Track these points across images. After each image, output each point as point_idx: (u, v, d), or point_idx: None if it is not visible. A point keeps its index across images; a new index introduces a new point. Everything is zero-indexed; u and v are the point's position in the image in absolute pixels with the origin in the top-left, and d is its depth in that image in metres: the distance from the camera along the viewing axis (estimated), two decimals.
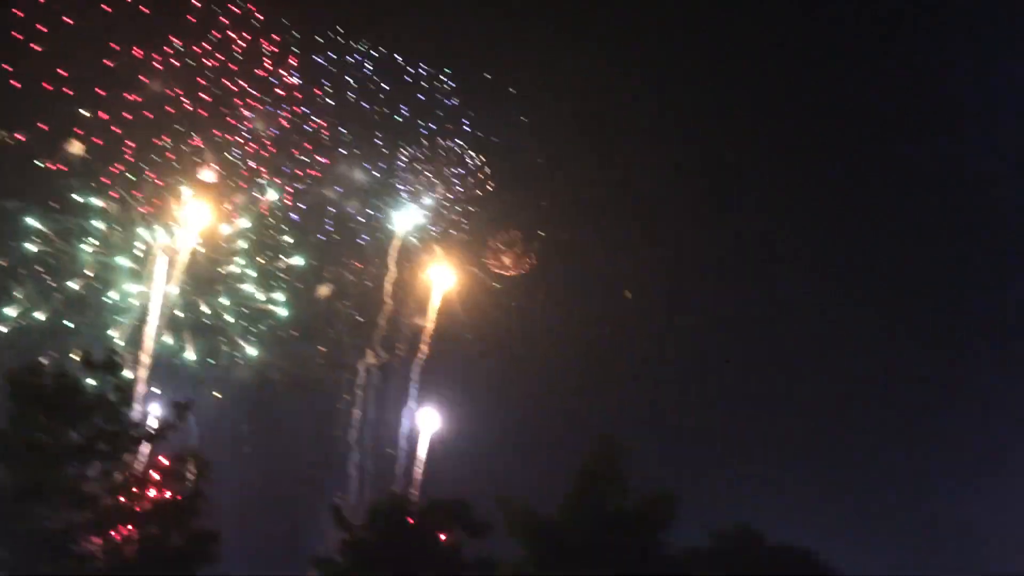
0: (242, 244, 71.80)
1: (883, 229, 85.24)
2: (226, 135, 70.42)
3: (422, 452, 68.70)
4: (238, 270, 71.90)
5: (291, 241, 74.05)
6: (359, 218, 77.21)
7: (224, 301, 71.59)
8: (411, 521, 44.92)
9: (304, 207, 74.94)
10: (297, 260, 74.27)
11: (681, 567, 41.68)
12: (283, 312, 73.60)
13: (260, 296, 72.59)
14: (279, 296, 73.43)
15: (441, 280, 75.65)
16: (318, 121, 74.35)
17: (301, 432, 75.70)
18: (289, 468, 71.57)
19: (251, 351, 73.26)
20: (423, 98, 76.46)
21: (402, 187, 77.23)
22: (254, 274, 72.45)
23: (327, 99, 74.84)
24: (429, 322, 75.13)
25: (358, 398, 76.32)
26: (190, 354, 70.45)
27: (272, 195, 73.06)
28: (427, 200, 77.87)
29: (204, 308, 70.87)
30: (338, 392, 76.24)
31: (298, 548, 58.99)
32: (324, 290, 76.75)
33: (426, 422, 71.12)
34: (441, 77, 76.50)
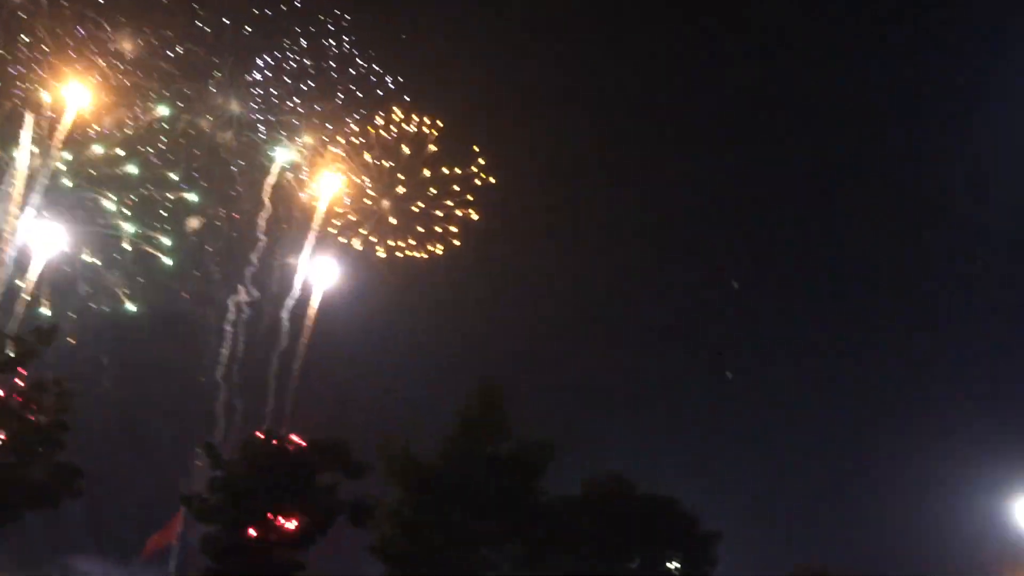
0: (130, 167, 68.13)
1: None
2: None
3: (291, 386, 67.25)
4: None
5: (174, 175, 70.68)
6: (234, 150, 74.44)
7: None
8: (286, 459, 44.38)
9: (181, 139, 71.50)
10: (191, 196, 71.08)
11: (553, 515, 42.91)
12: (167, 258, 70.65)
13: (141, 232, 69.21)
14: (164, 238, 70.38)
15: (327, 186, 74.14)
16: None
17: (166, 369, 72.95)
18: (153, 405, 69.14)
19: (118, 283, 70.08)
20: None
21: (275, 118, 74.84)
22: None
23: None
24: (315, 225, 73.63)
25: (228, 335, 74.24)
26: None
27: (163, 111, 69.32)
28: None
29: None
30: (206, 329, 74.02)
31: (165, 485, 57.43)
32: (195, 223, 73.67)
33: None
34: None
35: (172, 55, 69.13)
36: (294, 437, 47.45)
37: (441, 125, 77.30)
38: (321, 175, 75.44)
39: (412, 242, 77.52)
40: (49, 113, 63.42)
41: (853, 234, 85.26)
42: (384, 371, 71.44)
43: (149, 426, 69.07)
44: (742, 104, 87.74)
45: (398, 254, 77.38)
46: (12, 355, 41.52)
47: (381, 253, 76.98)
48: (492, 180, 78.51)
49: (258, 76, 73.38)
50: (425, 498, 42.71)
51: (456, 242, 77.82)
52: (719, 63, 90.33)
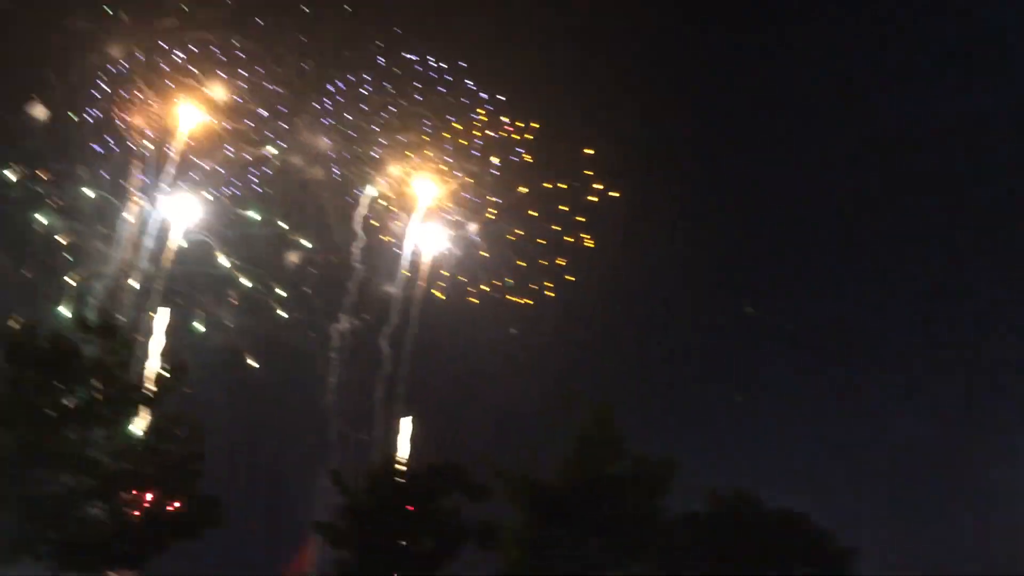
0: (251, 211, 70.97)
1: None
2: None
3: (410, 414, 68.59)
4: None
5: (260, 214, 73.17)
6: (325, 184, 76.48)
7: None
8: (409, 484, 45.16)
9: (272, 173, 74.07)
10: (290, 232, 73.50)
11: (679, 532, 42.66)
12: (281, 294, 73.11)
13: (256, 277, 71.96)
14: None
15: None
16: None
17: (278, 398, 75.32)
18: (270, 435, 71.29)
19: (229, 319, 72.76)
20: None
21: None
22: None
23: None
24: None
25: (333, 363, 76.22)
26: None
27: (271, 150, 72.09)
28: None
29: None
30: (313, 358, 76.05)
31: (290, 513, 59.22)
32: (294, 258, 76.07)
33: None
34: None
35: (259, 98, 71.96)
36: (414, 461, 48.26)
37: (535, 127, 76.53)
38: (408, 202, 76.86)
39: (510, 281, 77.29)
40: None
41: None
42: (489, 391, 71.90)
43: (266, 455, 71.19)
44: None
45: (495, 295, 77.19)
46: (151, 393, 43.24)
47: (473, 300, 77.03)
48: (613, 193, 76.57)
49: (344, 110, 75.36)
50: (549, 520, 43.07)
51: (568, 277, 76.76)
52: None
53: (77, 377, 40.54)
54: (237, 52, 70.01)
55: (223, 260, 72.03)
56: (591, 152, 77.29)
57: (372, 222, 76.99)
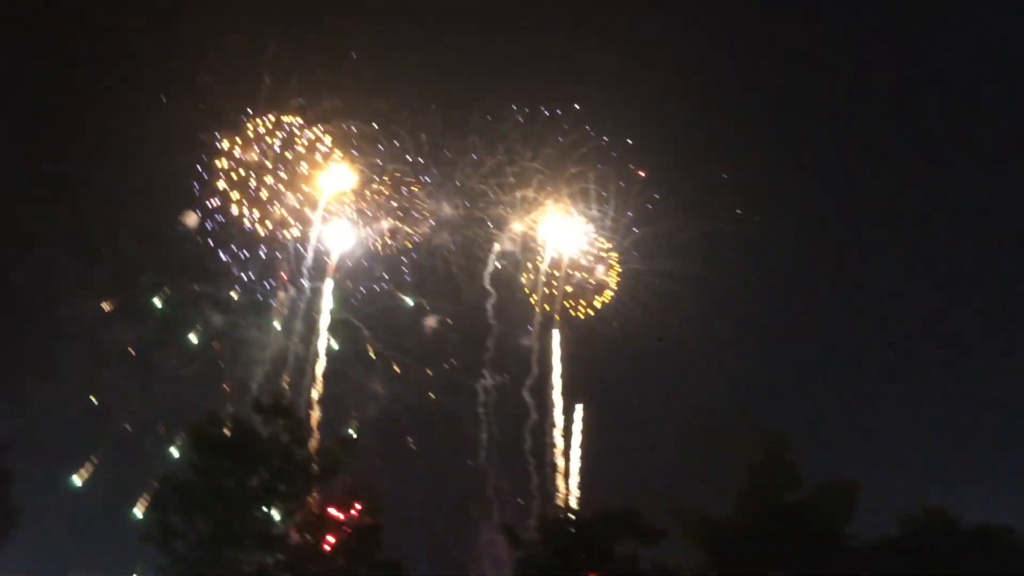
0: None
1: None
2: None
3: (562, 462, 68.56)
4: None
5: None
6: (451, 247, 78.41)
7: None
8: (584, 535, 44.85)
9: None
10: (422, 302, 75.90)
11: (871, 560, 40.50)
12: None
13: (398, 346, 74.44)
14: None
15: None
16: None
17: (433, 457, 76.72)
18: (430, 492, 72.56)
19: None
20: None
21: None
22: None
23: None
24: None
25: (482, 419, 77.28)
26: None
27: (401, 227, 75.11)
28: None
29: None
30: (461, 416, 77.32)
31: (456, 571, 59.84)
32: (432, 323, 78.00)
33: (575, 428, 70.82)
34: None
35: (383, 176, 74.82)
36: (581, 509, 48.02)
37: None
38: (536, 252, 77.61)
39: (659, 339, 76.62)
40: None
41: None
42: (646, 426, 71.04)
43: (428, 515, 72.40)
44: None
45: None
46: (321, 468, 44.90)
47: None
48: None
49: (464, 175, 77.14)
50: (728, 558, 41.81)
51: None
52: None
53: (258, 458, 42.68)
54: (356, 136, 73.30)
55: (366, 332, 74.67)
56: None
57: (503, 277, 78.17)
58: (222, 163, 70.81)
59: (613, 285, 77.60)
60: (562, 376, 74.81)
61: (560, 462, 67.73)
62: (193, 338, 70.38)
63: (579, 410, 72.00)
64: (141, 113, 69.84)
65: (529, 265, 78.36)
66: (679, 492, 46.95)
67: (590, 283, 77.77)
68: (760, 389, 73.18)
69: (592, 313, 77.73)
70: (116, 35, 71.29)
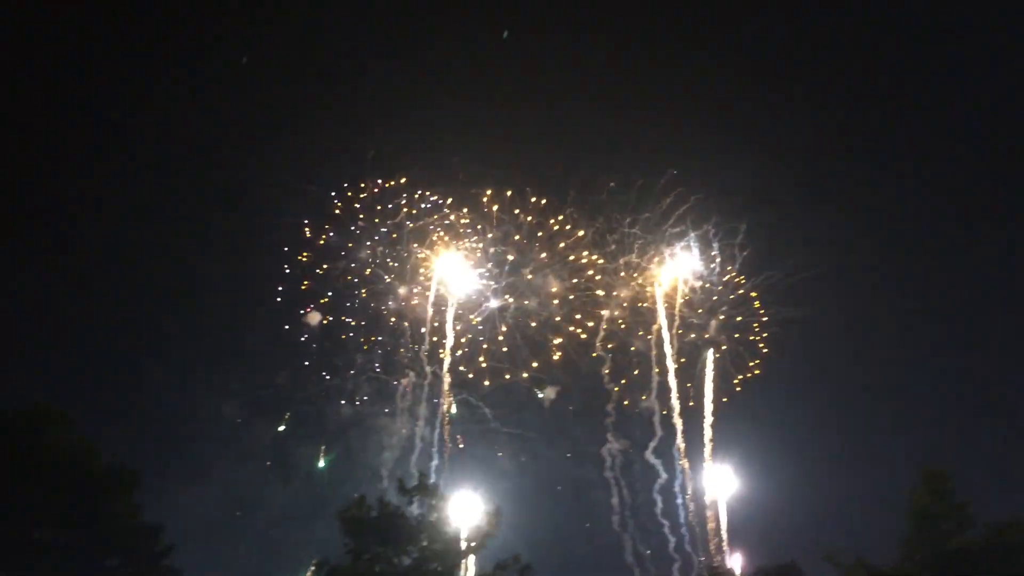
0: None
1: None
2: None
3: (704, 517, 66.94)
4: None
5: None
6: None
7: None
8: None
9: None
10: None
11: None
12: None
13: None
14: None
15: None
16: None
17: (567, 527, 76.00)
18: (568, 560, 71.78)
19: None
20: None
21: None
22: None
23: None
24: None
25: (611, 484, 76.42)
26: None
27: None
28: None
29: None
30: (589, 483, 76.63)
31: None
32: (550, 394, 78.11)
33: (719, 485, 69.00)
34: None
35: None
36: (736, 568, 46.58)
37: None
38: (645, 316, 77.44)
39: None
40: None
41: None
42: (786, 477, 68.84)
43: None
44: None
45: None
46: (469, 544, 44.95)
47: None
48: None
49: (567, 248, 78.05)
50: None
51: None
52: None
53: (408, 538, 43.11)
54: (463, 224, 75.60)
55: (487, 411, 75.49)
56: None
57: (615, 342, 78.04)
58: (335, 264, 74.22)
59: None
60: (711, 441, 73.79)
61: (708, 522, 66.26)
62: (321, 461, 72.91)
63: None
64: (257, 219, 74.31)
65: (640, 331, 78.33)
66: (834, 539, 44.88)
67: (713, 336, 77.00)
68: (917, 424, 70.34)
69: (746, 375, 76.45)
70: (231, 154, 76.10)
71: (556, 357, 77.06)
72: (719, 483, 68.49)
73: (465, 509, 52.31)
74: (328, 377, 72.76)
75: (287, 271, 73.31)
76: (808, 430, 70.97)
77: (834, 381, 73.15)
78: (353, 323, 74.25)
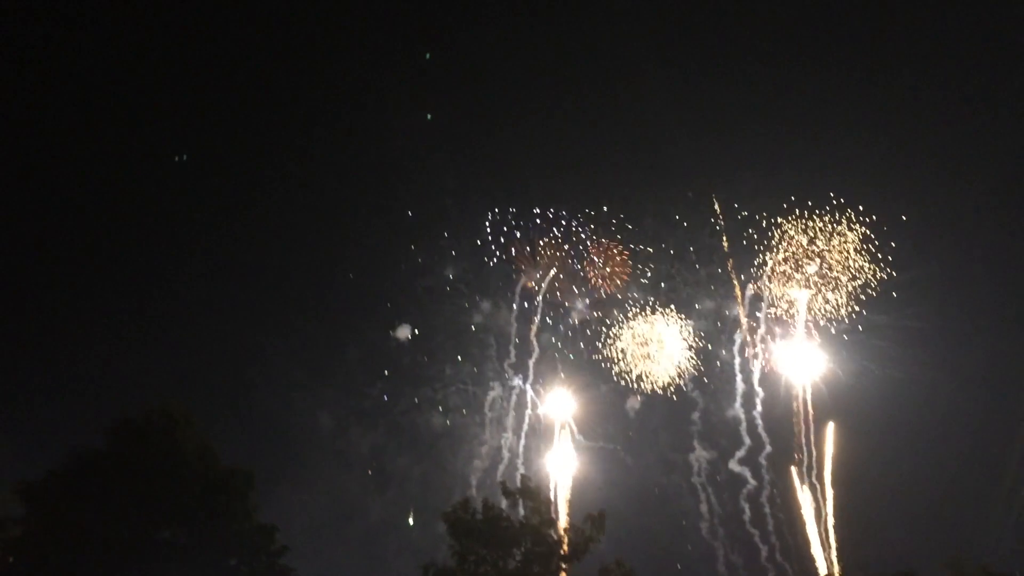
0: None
1: None
2: None
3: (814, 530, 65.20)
4: None
5: None
6: None
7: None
8: None
9: None
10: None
11: None
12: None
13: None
14: None
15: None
16: None
17: (658, 535, 75.18)
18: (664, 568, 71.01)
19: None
20: None
21: None
22: None
23: None
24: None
25: (699, 494, 75.30)
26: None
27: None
28: None
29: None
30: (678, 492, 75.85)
31: None
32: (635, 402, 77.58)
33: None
34: None
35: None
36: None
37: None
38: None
39: None
40: None
41: None
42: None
43: None
44: None
45: None
46: (572, 548, 44.75)
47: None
48: None
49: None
50: None
51: None
52: None
53: (512, 541, 43.20)
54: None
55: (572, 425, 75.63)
56: None
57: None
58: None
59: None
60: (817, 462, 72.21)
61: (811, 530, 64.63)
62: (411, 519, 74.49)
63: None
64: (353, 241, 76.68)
65: (723, 337, 77.04)
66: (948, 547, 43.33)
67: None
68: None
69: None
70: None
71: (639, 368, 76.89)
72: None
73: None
74: (420, 389, 74.31)
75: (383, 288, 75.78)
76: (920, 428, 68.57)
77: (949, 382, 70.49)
78: (442, 337, 75.98)
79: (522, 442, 73.24)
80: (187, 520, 36.68)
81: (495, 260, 74.65)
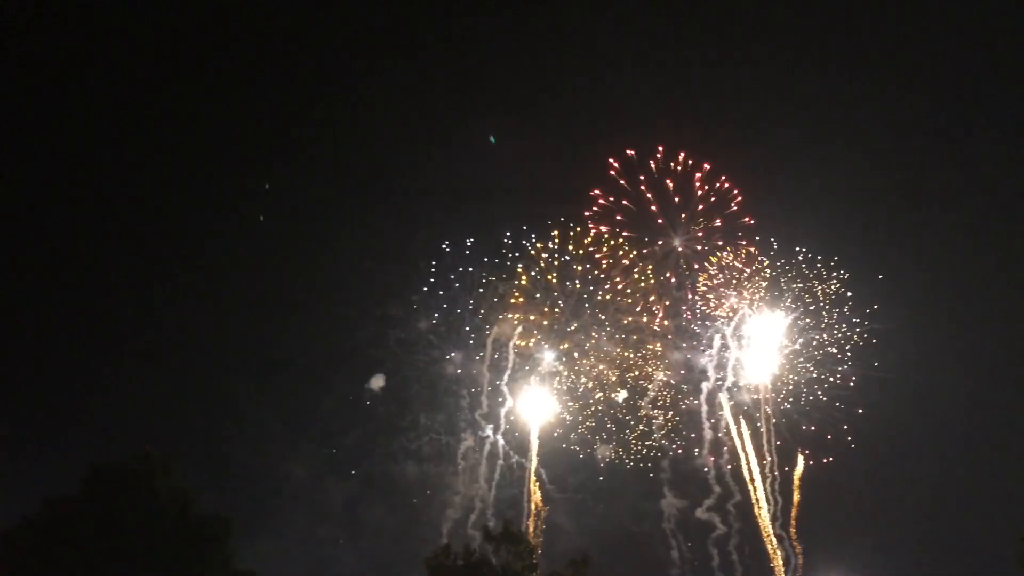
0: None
1: None
2: None
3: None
4: None
5: None
6: None
7: None
8: None
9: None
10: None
11: None
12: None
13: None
14: None
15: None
16: None
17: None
18: None
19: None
20: None
21: None
22: None
23: None
24: None
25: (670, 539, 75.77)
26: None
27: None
28: None
29: None
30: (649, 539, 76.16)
31: None
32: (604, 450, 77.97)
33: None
34: None
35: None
36: None
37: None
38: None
39: None
40: None
41: None
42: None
43: None
44: None
45: None
46: None
47: None
48: None
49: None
50: None
51: None
52: None
53: None
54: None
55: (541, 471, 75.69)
56: None
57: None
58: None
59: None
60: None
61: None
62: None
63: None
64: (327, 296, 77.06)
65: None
66: None
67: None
68: None
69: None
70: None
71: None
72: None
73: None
74: (394, 438, 74.29)
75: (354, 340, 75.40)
76: None
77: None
78: (416, 388, 75.99)
79: (492, 492, 73.42)
80: (163, 568, 35.83)
81: (467, 313, 75.62)
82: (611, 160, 73.01)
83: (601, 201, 73.24)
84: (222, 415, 72.78)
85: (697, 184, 72.69)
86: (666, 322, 75.37)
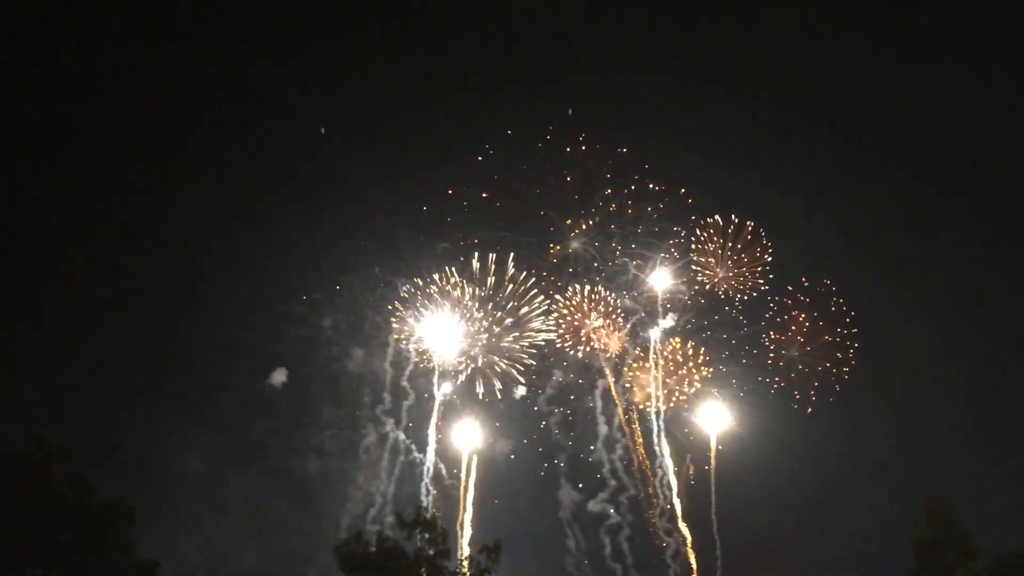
0: None
1: None
2: None
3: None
4: None
5: None
6: None
7: None
8: None
9: None
10: None
11: None
12: None
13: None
14: None
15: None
16: None
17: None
18: None
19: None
20: None
21: None
22: None
23: None
24: None
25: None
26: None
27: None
28: None
29: None
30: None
31: None
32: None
33: None
34: None
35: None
36: None
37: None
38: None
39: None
40: None
41: None
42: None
43: None
44: None
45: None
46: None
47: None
48: None
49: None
50: None
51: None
52: None
53: (406, 571, 42.14)
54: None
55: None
56: None
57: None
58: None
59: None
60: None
61: None
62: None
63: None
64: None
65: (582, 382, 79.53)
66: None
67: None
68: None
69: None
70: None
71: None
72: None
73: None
74: (296, 433, 75.46)
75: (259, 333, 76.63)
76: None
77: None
78: (318, 382, 76.90)
79: (391, 487, 74.44)
80: (62, 557, 34.31)
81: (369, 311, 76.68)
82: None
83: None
84: (120, 406, 72.46)
85: None
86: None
